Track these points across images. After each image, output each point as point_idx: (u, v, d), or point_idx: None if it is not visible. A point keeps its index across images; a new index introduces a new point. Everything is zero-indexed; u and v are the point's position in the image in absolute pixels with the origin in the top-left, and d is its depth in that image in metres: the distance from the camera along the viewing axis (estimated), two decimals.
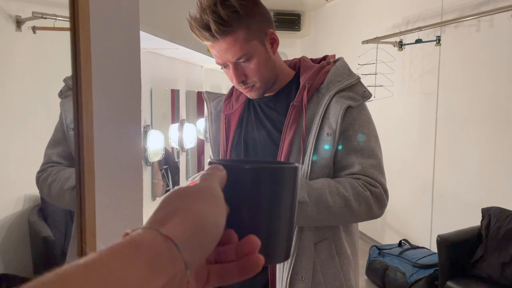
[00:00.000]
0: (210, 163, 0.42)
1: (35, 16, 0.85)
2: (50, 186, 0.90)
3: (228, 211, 0.39)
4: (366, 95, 1.14)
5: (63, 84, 0.87)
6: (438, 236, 2.96)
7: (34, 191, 0.91)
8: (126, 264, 0.27)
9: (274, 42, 1.14)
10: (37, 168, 0.88)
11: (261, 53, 1.10)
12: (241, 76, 1.10)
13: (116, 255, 0.27)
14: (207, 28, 1.03)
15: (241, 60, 1.08)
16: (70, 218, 0.94)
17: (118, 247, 0.28)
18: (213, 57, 1.14)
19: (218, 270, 0.38)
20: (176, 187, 0.37)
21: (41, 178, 0.88)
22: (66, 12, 0.79)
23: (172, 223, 0.32)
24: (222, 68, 1.13)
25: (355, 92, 1.13)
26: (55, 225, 0.97)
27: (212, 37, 1.04)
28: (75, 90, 0.76)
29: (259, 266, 0.37)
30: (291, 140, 1.11)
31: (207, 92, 1.36)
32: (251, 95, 1.16)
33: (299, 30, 6.43)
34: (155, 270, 0.28)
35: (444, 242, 2.91)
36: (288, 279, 1.07)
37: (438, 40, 3.58)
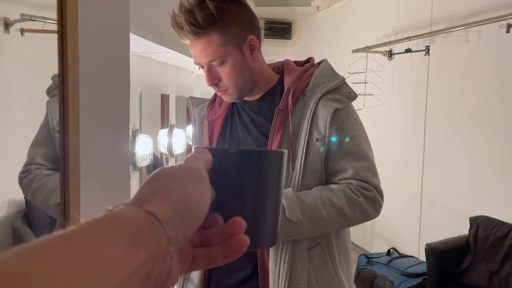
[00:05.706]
0: (195, 148, 0.42)
1: (24, 18, 0.84)
2: (34, 193, 0.88)
3: (214, 194, 0.39)
4: (352, 96, 1.13)
5: (51, 84, 0.86)
6: (427, 244, 2.97)
7: (19, 196, 0.89)
8: (106, 237, 0.26)
9: (254, 49, 1.11)
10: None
11: (237, 58, 1.07)
12: (214, 79, 1.09)
13: (95, 228, 0.26)
14: (181, 28, 1.03)
15: (214, 63, 1.06)
16: (55, 224, 0.92)
17: (98, 220, 0.27)
18: None
19: (203, 253, 0.37)
20: (160, 168, 0.36)
21: (25, 181, 0.86)
22: (56, 15, 0.78)
23: (155, 200, 0.31)
24: (199, 68, 1.13)
25: (341, 94, 1.12)
26: (40, 230, 0.95)
27: (186, 37, 1.04)
28: (61, 93, 0.75)
29: (243, 248, 0.37)
30: (278, 145, 1.09)
31: (191, 98, 1.34)
32: (226, 98, 1.15)
33: (290, 39, 6.46)
34: (136, 244, 0.27)
35: (432, 250, 2.92)
36: (285, 287, 1.06)
37: (427, 50, 3.62)
